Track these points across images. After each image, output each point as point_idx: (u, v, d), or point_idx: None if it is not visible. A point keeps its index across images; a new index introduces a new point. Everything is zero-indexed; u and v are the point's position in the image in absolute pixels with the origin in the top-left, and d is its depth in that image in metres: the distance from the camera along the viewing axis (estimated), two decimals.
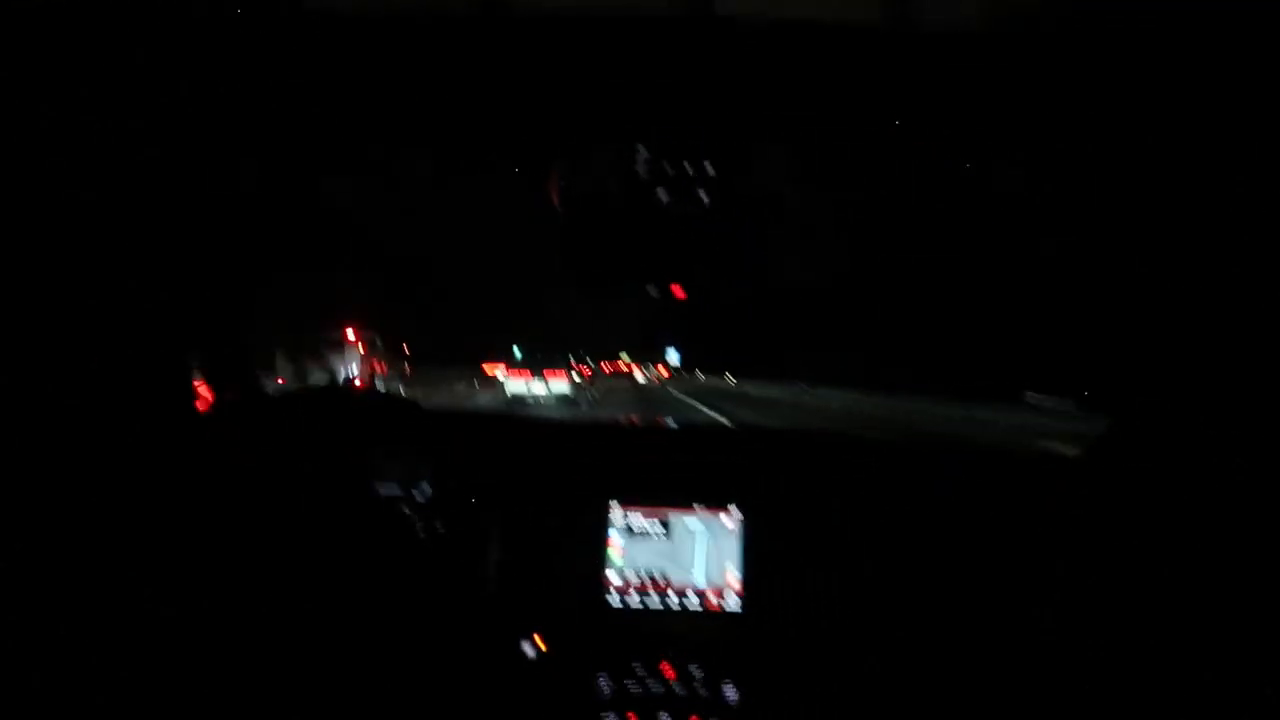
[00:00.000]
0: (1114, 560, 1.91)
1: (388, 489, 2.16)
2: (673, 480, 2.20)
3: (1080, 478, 2.17)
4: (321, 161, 2.23)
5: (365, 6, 1.51)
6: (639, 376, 43.76)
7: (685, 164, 1.74)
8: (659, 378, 44.00)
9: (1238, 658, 1.65)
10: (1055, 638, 1.95)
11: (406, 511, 2.13)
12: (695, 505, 2.15)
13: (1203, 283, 1.76)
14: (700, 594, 2.11)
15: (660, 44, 1.59)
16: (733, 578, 2.11)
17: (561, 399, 18.75)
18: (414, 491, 2.16)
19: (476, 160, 2.16)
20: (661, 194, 1.77)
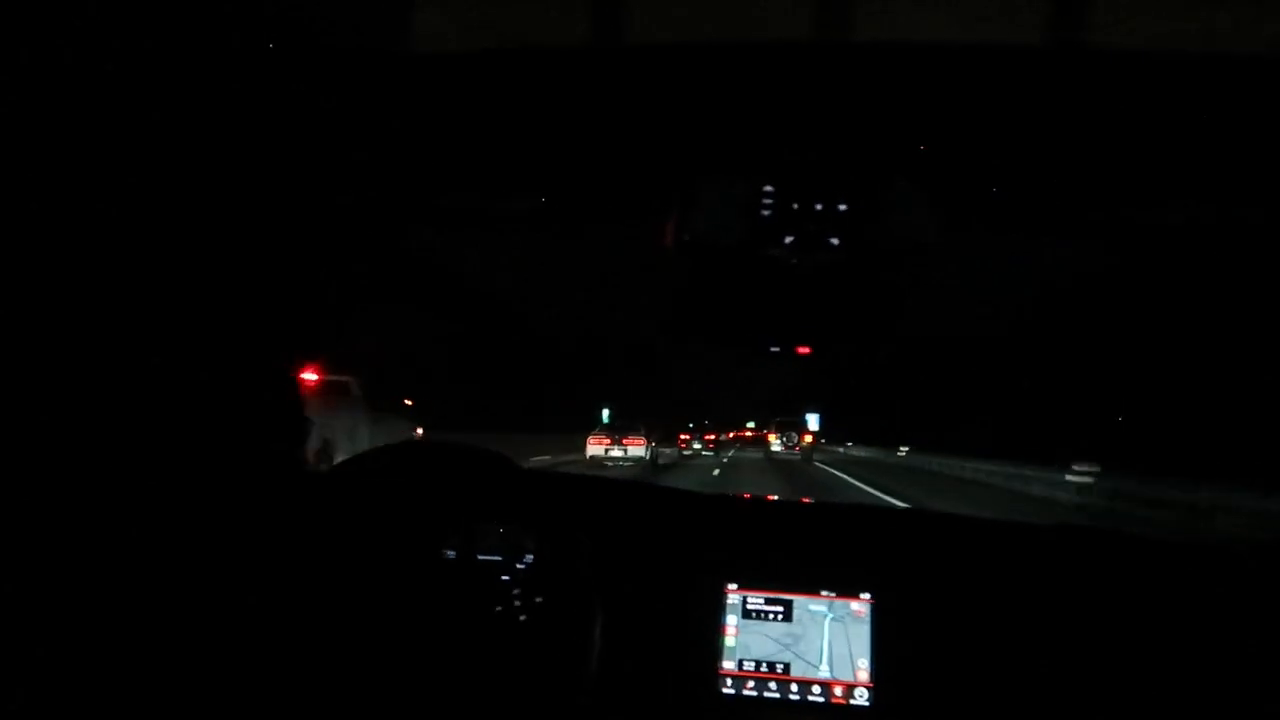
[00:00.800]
0: None
1: (486, 556, 2.01)
2: (798, 562, 2.00)
3: (1258, 569, 1.93)
4: (419, 207, 2.14)
5: (473, 40, 1.44)
6: (775, 444, 34.02)
7: (816, 206, 1.57)
8: (797, 445, 33.84)
9: None
10: None
11: (505, 580, 1.98)
12: (822, 591, 1.94)
13: None
14: (825, 686, 1.88)
15: (787, 71, 1.46)
16: (862, 670, 1.88)
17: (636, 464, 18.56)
18: (515, 561, 2.00)
19: (586, 203, 2.04)
20: (789, 240, 1.60)
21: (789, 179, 1.56)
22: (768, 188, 1.55)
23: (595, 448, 19.66)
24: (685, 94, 1.50)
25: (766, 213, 1.57)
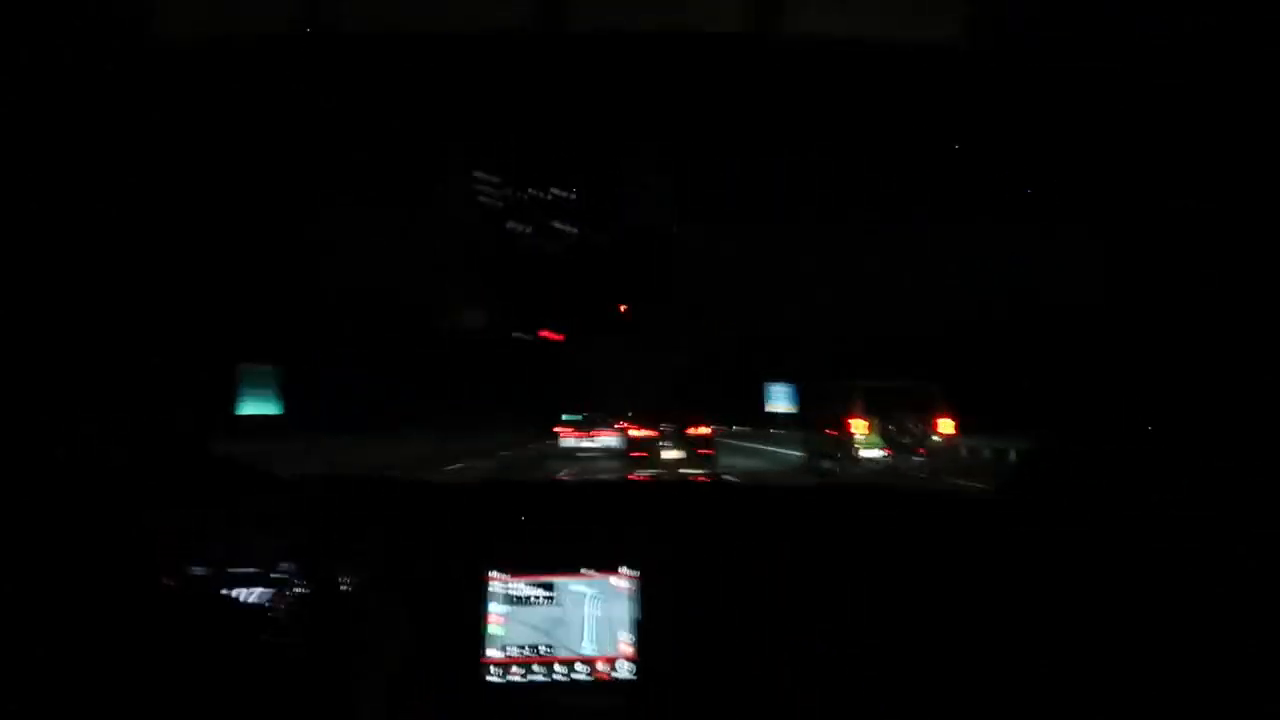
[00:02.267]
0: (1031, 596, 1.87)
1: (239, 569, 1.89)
2: (559, 544, 2.02)
3: (994, 514, 2.12)
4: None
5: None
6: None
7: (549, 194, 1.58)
8: None
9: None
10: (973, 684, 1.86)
11: (263, 593, 1.87)
12: (584, 570, 1.97)
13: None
14: (589, 663, 1.92)
15: (517, 62, 1.45)
16: (625, 644, 1.93)
17: None
18: (277, 570, 1.90)
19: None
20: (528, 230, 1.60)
21: (522, 170, 1.56)
22: (494, 179, 1.54)
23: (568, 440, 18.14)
24: (412, 87, 1.46)
25: (501, 204, 1.57)
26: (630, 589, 1.97)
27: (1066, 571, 1.87)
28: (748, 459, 14.84)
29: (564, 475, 11.20)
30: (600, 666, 1.92)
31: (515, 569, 1.97)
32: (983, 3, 1.48)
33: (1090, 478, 2.03)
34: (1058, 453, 2.17)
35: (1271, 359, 1.67)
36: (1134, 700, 1.69)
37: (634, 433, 14.07)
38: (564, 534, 2.07)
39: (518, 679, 1.90)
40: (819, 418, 11.28)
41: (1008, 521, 2.07)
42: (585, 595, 1.97)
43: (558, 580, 1.98)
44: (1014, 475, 2.21)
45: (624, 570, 1.98)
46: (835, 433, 10.12)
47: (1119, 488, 1.92)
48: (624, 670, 1.92)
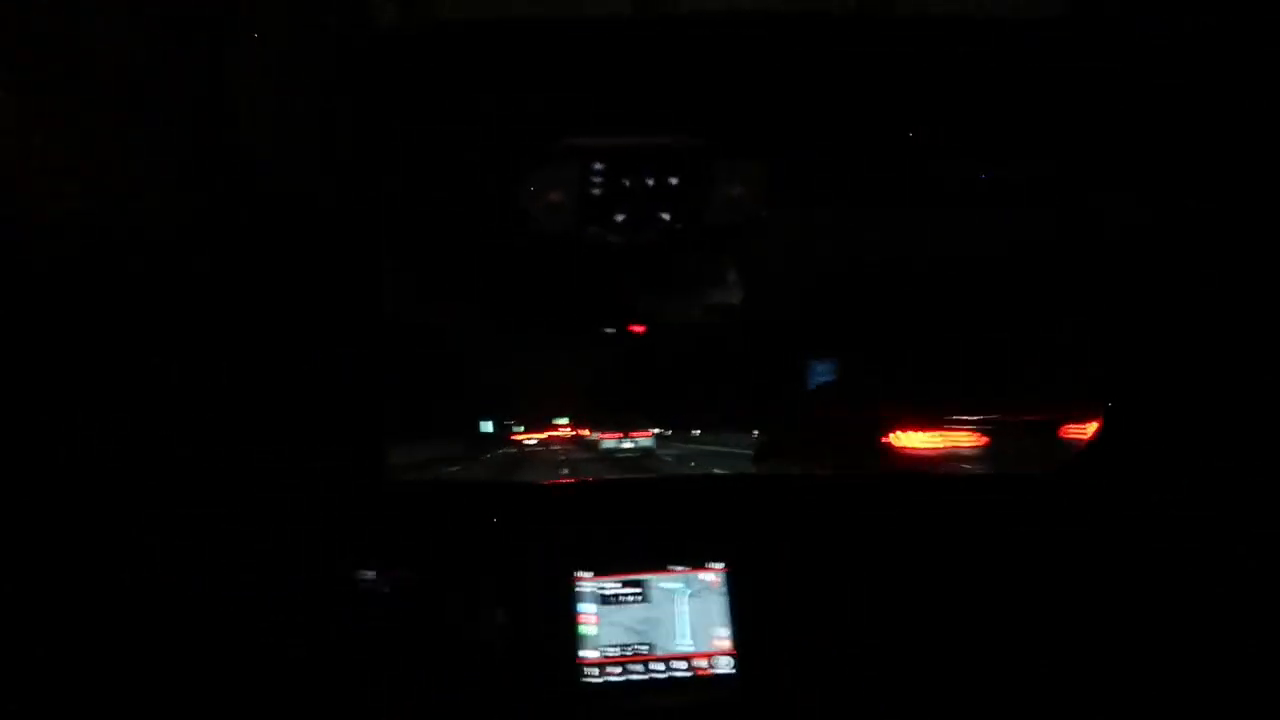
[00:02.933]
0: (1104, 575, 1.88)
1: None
2: (647, 540, 1.99)
3: (1055, 495, 2.11)
4: None
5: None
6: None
7: (648, 183, 1.54)
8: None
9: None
10: (1058, 661, 1.86)
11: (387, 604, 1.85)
12: (674, 566, 1.94)
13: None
14: (688, 660, 1.89)
15: (608, 48, 1.40)
16: (723, 640, 1.90)
17: None
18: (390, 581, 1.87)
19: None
20: (621, 219, 1.56)
21: (619, 157, 1.51)
22: (598, 166, 1.50)
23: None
24: (504, 75, 1.42)
25: (598, 192, 1.53)
26: (722, 583, 1.95)
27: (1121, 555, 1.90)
28: None
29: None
30: (699, 663, 1.89)
31: (603, 568, 1.94)
32: None
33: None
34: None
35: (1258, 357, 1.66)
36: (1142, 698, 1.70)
37: None
38: (649, 531, 2.04)
39: (615, 679, 1.88)
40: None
41: (1066, 504, 2.07)
42: (676, 591, 1.94)
43: (647, 578, 1.95)
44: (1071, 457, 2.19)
45: (712, 565, 1.96)
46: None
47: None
48: (723, 665, 1.90)
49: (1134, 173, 1.77)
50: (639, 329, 1.82)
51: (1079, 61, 1.50)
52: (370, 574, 1.88)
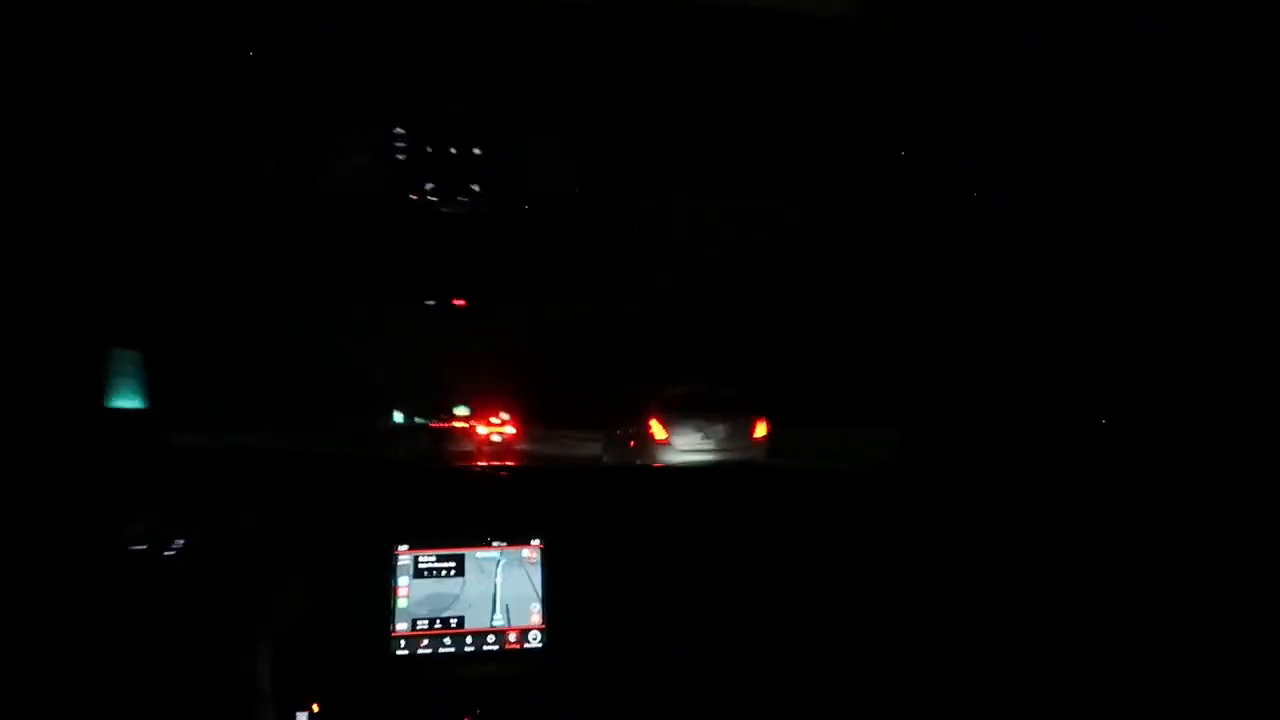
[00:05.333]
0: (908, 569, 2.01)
1: (138, 544, 1.82)
2: (470, 519, 2.01)
3: (868, 491, 2.22)
4: None
5: None
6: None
7: (452, 150, 1.57)
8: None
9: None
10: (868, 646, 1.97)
11: (162, 573, 1.81)
12: (493, 541, 1.97)
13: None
14: (499, 634, 1.91)
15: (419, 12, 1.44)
16: (535, 614, 1.93)
17: None
18: (166, 548, 1.83)
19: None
20: (429, 186, 1.59)
21: (424, 122, 1.55)
22: (400, 130, 1.53)
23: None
24: (303, 27, 1.43)
25: (403, 157, 1.55)
26: (537, 559, 1.98)
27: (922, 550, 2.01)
28: None
29: None
30: (511, 638, 1.92)
31: (424, 543, 1.96)
32: None
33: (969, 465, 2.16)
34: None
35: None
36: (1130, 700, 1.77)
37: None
38: (475, 510, 2.07)
39: (426, 651, 1.88)
40: (619, 424, 10.12)
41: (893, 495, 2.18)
42: (494, 567, 1.97)
43: (467, 552, 1.97)
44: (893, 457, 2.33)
45: (534, 542, 1.99)
46: (635, 442, 9.16)
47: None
48: (533, 640, 1.92)
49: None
50: (460, 303, 1.84)
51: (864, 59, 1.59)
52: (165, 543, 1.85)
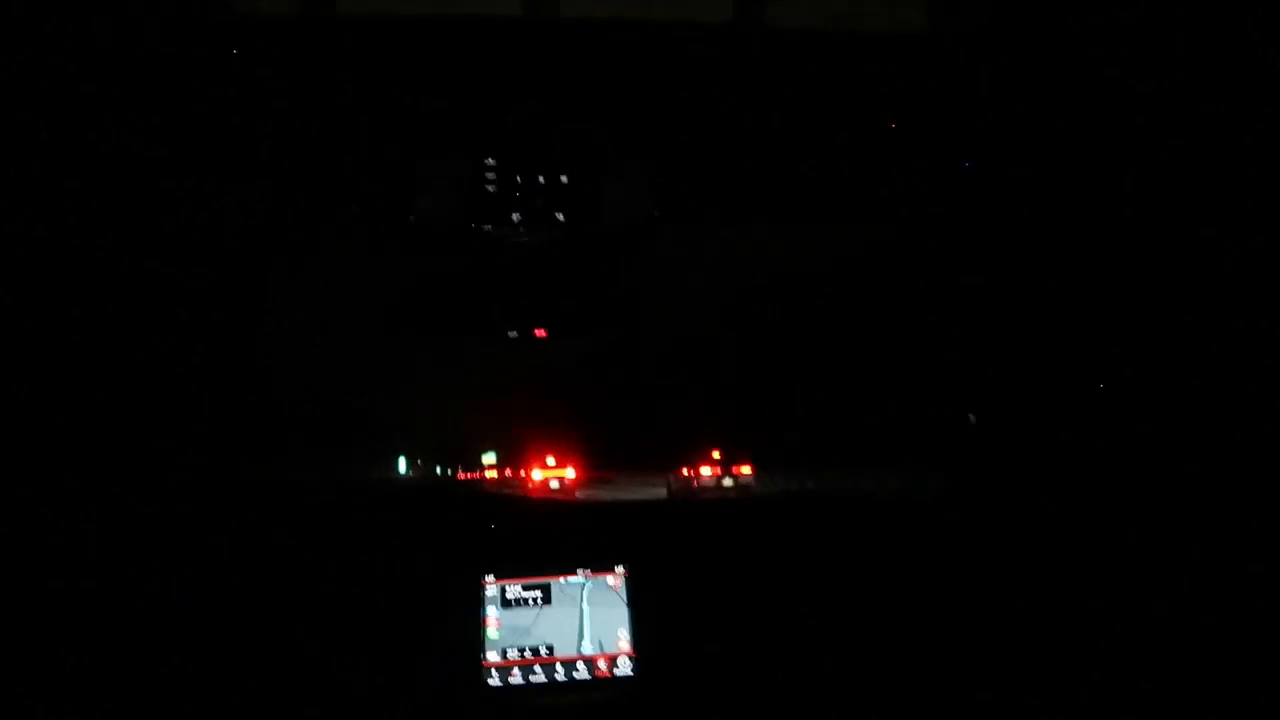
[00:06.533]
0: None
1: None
2: (555, 548, 2.03)
3: (937, 519, 2.21)
4: None
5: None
6: None
7: (539, 180, 1.61)
8: None
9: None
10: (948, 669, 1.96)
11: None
12: (579, 570, 1.97)
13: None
14: (589, 662, 1.91)
15: (504, 48, 1.49)
16: (624, 640, 1.93)
17: None
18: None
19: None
20: (516, 217, 1.62)
21: (511, 154, 1.58)
22: (490, 162, 1.57)
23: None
24: (398, 71, 1.49)
25: (491, 189, 1.59)
26: (622, 586, 1.98)
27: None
28: None
29: None
30: (601, 665, 1.91)
31: (510, 572, 1.96)
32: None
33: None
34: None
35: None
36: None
37: None
38: (560, 540, 2.08)
39: (517, 681, 1.88)
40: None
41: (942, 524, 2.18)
42: (580, 595, 1.97)
43: (550, 581, 1.97)
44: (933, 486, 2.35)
45: (618, 569, 1.99)
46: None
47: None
48: (623, 667, 1.92)
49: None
50: (541, 333, 1.87)
51: (939, 75, 1.62)
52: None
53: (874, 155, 1.84)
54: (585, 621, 1.95)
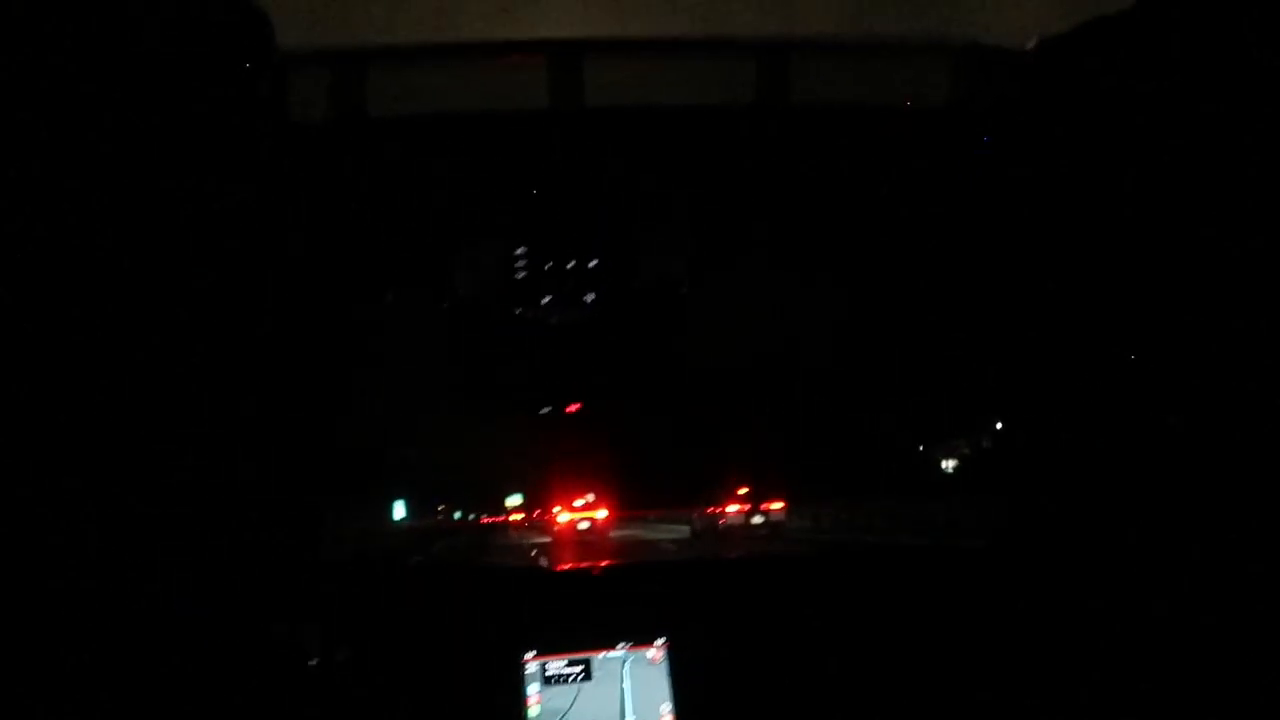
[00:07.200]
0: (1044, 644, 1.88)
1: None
2: (593, 620, 2.02)
3: (994, 568, 2.16)
4: None
5: None
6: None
7: (569, 265, 1.63)
8: None
9: None
10: None
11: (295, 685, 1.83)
12: (620, 644, 1.96)
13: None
14: None
15: (530, 139, 1.52)
16: (667, 715, 1.91)
17: None
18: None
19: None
20: (546, 300, 1.65)
21: (540, 240, 1.61)
22: (520, 249, 1.60)
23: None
24: (426, 166, 1.52)
25: (522, 274, 1.62)
26: (663, 659, 1.96)
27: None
28: None
29: None
30: None
31: (551, 648, 1.96)
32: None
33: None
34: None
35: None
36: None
37: None
38: (598, 613, 2.07)
39: None
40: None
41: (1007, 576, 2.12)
42: (620, 670, 1.95)
43: (591, 656, 1.96)
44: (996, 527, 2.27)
45: (659, 642, 1.97)
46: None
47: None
48: None
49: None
50: (574, 408, 1.88)
51: (965, 147, 1.63)
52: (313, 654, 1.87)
53: (896, 222, 1.85)
54: (626, 698, 1.93)
